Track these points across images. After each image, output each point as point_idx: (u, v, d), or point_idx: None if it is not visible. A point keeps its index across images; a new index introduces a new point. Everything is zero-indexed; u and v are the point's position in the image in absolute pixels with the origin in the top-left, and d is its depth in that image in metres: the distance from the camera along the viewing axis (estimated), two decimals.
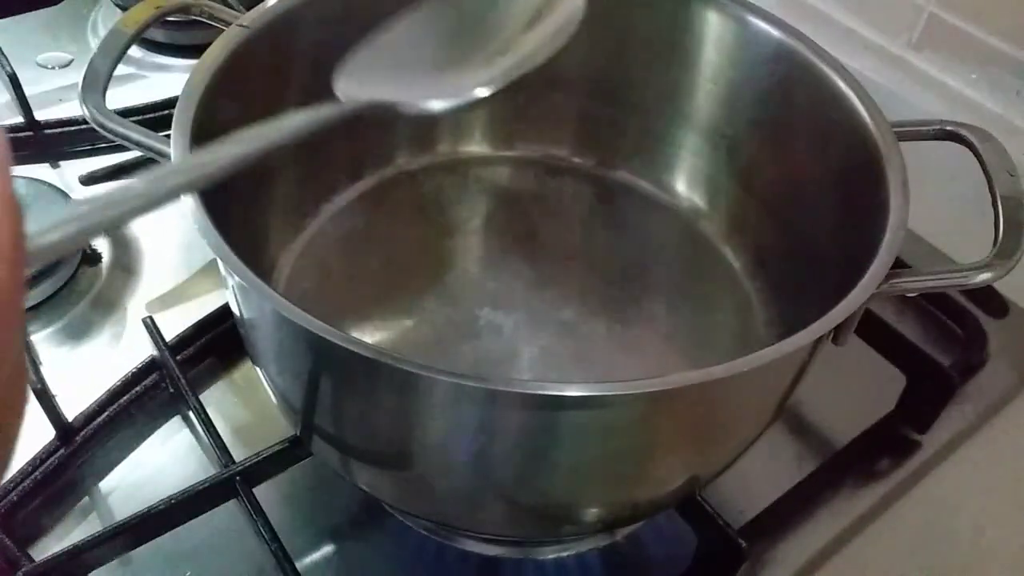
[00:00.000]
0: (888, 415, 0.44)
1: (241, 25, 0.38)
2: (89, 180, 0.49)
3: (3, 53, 0.54)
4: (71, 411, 0.40)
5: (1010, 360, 0.47)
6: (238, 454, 0.38)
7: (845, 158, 0.38)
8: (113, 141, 0.35)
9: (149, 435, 0.41)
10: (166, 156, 0.32)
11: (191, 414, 0.41)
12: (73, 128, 0.52)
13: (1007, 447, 0.45)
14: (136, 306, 0.46)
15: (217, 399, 0.42)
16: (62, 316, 0.45)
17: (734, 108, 0.44)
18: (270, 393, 0.35)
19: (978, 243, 0.34)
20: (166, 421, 0.42)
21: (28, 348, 0.41)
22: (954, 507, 0.42)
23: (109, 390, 0.41)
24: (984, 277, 0.33)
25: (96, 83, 0.35)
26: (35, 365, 0.40)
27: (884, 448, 0.43)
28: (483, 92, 0.29)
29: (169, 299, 0.46)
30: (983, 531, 0.41)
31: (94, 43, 0.60)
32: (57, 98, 0.55)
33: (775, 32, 0.41)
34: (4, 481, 0.37)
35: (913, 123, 0.39)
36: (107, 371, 0.42)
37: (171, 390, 0.42)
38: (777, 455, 0.42)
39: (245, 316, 0.33)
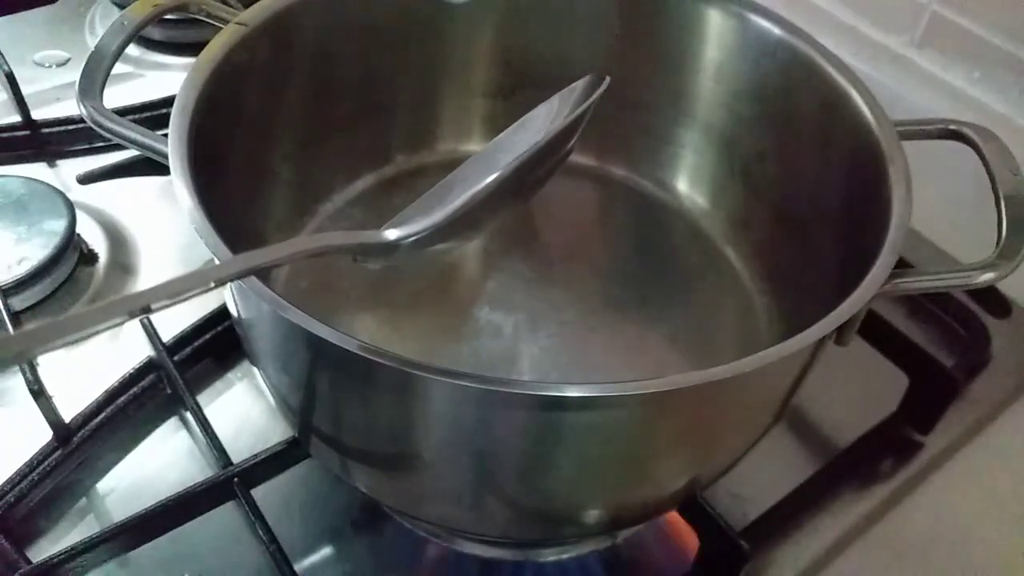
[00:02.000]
0: (891, 416, 0.44)
1: (239, 23, 0.38)
2: (86, 179, 0.49)
3: (0, 52, 0.54)
4: (68, 412, 0.40)
5: (1013, 360, 0.47)
6: (236, 455, 0.38)
7: (847, 157, 0.38)
8: (110, 140, 0.34)
9: (147, 436, 0.41)
10: (163, 155, 0.32)
11: (189, 415, 0.41)
12: (70, 127, 0.52)
13: (1011, 448, 0.44)
14: None
15: (215, 400, 0.42)
16: (59, 316, 0.45)
17: (736, 106, 0.44)
18: (268, 394, 0.35)
19: (981, 243, 0.34)
20: (164, 422, 0.42)
21: None
22: (958, 508, 0.42)
23: (107, 391, 0.41)
24: (987, 277, 0.32)
25: (93, 82, 0.35)
26: (32, 366, 0.40)
27: (887, 449, 0.43)
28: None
29: None
30: (987, 532, 0.41)
31: (92, 41, 0.60)
32: (54, 97, 0.55)
33: (777, 30, 0.41)
34: (1, 482, 0.37)
35: (916, 122, 0.38)
36: (105, 372, 0.41)
37: (169, 391, 0.42)
38: (779, 456, 0.42)
39: (243, 316, 0.33)
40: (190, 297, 0.22)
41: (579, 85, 0.35)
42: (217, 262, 0.30)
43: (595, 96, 0.33)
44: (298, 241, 0.26)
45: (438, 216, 0.28)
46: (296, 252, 0.25)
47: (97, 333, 0.21)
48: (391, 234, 0.28)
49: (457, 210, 0.28)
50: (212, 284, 0.23)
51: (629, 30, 0.45)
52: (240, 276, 0.26)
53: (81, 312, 0.20)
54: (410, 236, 0.28)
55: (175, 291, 0.22)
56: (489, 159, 0.35)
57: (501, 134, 0.36)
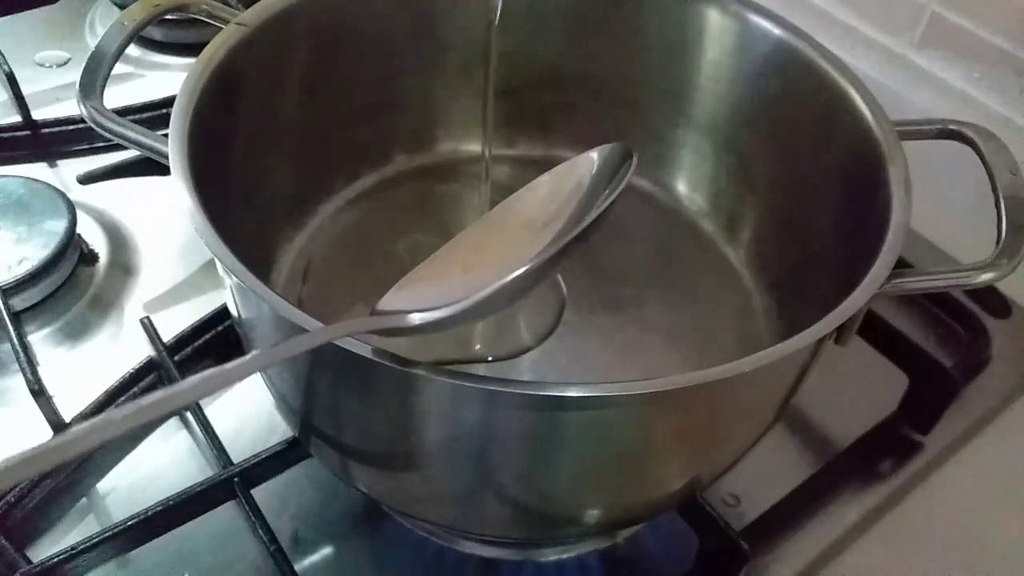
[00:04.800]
0: (890, 416, 0.44)
1: (240, 23, 0.38)
2: (87, 179, 0.49)
3: (1, 52, 0.54)
4: (69, 412, 0.40)
5: (1013, 360, 0.47)
6: (236, 455, 0.38)
7: (847, 157, 0.38)
8: (111, 140, 0.35)
9: (147, 436, 0.41)
10: (164, 155, 0.32)
11: (189, 415, 0.41)
12: (71, 127, 0.52)
13: (1010, 448, 0.44)
14: (134, 306, 0.46)
15: (215, 400, 0.42)
16: (60, 316, 0.45)
17: (735, 106, 0.44)
18: (268, 394, 0.35)
19: (980, 242, 0.34)
20: (164, 422, 0.41)
21: (26, 349, 0.41)
22: (957, 508, 0.42)
23: (107, 391, 0.41)
24: (987, 277, 0.32)
25: (94, 82, 0.35)
26: (32, 366, 0.40)
27: (886, 449, 0.43)
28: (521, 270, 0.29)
29: (167, 299, 0.46)
30: (986, 532, 0.41)
31: (92, 42, 0.60)
32: (55, 97, 0.55)
33: (776, 30, 0.41)
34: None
35: (915, 122, 0.38)
36: (105, 372, 0.41)
37: None
38: (779, 456, 0.42)
39: (243, 316, 0.33)
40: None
41: (605, 154, 0.34)
42: (218, 262, 0.30)
43: (627, 178, 0.33)
44: (324, 330, 0.26)
45: (462, 306, 0.28)
46: (321, 340, 0.26)
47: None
48: (416, 319, 0.28)
49: (482, 300, 0.28)
50: (233, 381, 0.24)
51: (629, 30, 0.45)
52: (263, 368, 0.27)
53: (132, 409, 0.21)
54: (433, 322, 0.28)
55: (205, 390, 0.24)
56: (510, 227, 0.34)
57: (522, 190, 0.35)
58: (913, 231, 0.33)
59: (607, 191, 0.33)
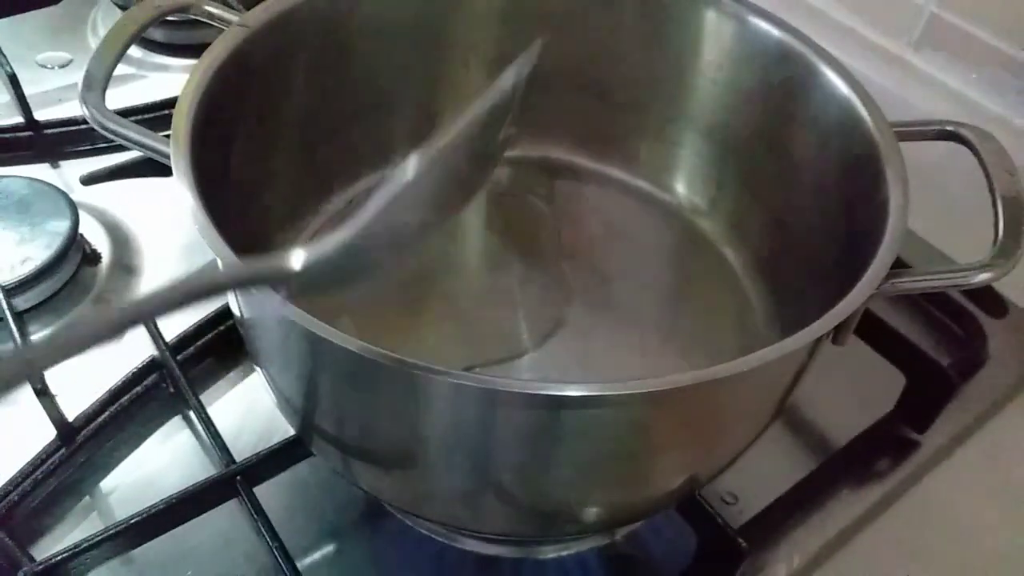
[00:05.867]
0: (888, 415, 0.44)
1: (241, 24, 0.38)
2: (89, 180, 0.49)
3: (3, 53, 0.54)
4: (72, 411, 0.40)
5: (1010, 360, 0.47)
6: (239, 454, 0.38)
7: (845, 158, 0.38)
8: (113, 141, 0.35)
9: (150, 435, 0.41)
10: (165, 156, 0.32)
11: (192, 414, 0.41)
12: (73, 128, 0.52)
13: (1007, 447, 0.45)
14: None
15: (217, 399, 0.42)
16: (63, 316, 0.45)
17: (734, 107, 0.44)
18: (270, 393, 0.35)
19: (978, 243, 0.34)
20: (167, 421, 0.42)
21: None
22: (954, 507, 0.42)
23: (110, 390, 0.41)
24: (984, 277, 0.33)
25: (96, 83, 0.35)
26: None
27: (883, 448, 0.43)
28: None
29: None
30: (983, 531, 0.41)
31: (94, 43, 0.60)
32: (57, 98, 0.55)
33: (775, 31, 0.41)
34: (5, 481, 0.38)
35: (913, 123, 0.39)
36: (108, 371, 0.42)
37: (172, 390, 0.42)
38: (777, 454, 0.42)
39: (245, 316, 0.33)
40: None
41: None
42: (219, 262, 0.30)
43: (519, 71, 0.31)
44: (198, 277, 0.23)
45: (349, 230, 0.24)
46: (198, 288, 0.23)
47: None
48: (296, 260, 0.23)
49: (372, 220, 0.24)
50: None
51: (628, 31, 0.45)
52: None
53: (87, 321, 0.19)
54: (320, 259, 0.23)
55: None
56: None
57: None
58: (910, 231, 0.33)
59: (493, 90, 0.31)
